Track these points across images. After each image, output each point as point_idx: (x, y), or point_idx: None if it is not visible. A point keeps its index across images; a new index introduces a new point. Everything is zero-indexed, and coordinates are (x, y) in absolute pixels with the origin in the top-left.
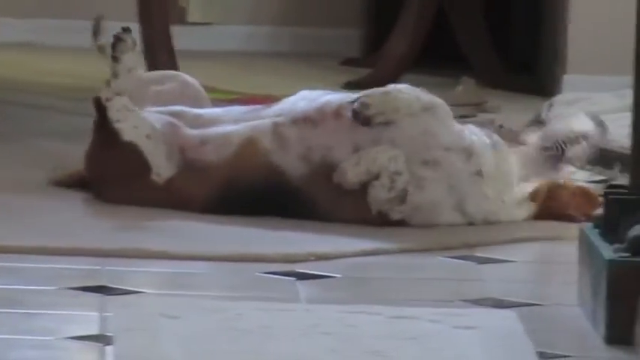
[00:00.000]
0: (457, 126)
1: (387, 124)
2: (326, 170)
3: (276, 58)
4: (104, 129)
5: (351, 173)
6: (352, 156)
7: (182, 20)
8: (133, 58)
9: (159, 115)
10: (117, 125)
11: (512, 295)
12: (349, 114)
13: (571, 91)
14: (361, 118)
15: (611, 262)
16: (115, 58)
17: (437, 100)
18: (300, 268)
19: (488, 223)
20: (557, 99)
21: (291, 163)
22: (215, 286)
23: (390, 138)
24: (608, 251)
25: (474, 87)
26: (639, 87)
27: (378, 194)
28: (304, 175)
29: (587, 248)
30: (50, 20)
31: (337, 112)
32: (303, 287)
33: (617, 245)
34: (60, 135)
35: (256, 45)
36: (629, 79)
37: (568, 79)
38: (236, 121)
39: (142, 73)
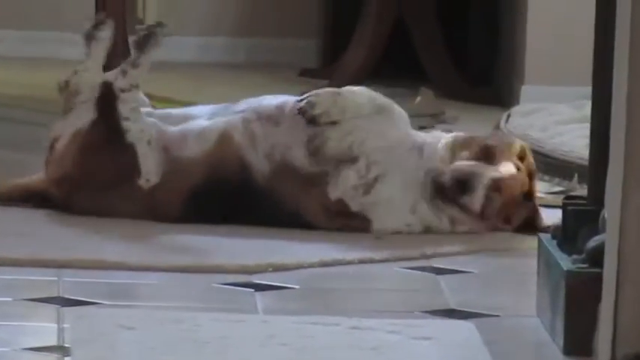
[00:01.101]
0: (414, 131)
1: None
2: (285, 169)
3: (232, 69)
4: (108, 120)
5: (333, 144)
6: (339, 128)
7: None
8: (155, 54)
9: (147, 118)
10: (126, 124)
11: (470, 306)
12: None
13: (529, 102)
14: (306, 116)
15: (569, 272)
16: (142, 50)
17: (393, 105)
18: (258, 279)
19: (439, 230)
20: (515, 110)
21: (259, 160)
22: (172, 297)
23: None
24: (566, 262)
25: (432, 98)
26: (597, 98)
27: (349, 178)
28: (268, 173)
29: (545, 259)
30: (4, 31)
31: (294, 111)
32: (260, 298)
33: (575, 256)
34: (11, 145)
35: (213, 56)
36: (586, 90)
37: (526, 90)
38: (211, 114)
39: None
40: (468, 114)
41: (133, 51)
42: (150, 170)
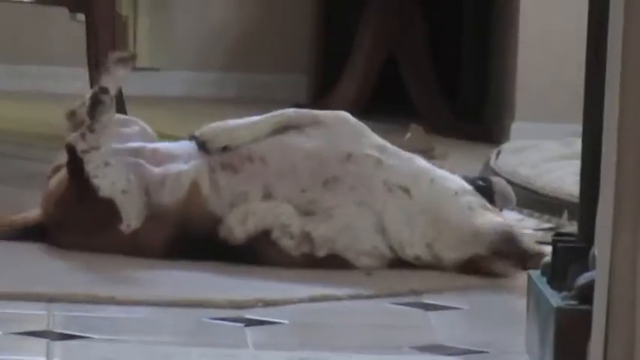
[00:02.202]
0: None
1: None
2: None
3: (222, 104)
4: (78, 179)
5: (238, 231)
6: (236, 210)
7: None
8: (110, 116)
9: (127, 160)
10: (95, 181)
11: (459, 342)
12: None
13: (519, 138)
14: (198, 144)
15: (558, 309)
16: (92, 117)
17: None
18: (248, 314)
19: (407, 255)
20: (505, 147)
21: (225, 211)
22: (162, 332)
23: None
24: (556, 299)
25: (422, 134)
26: (587, 135)
27: (285, 244)
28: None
29: (535, 296)
30: None
31: (248, 156)
32: (251, 333)
33: (564, 293)
34: (1, 179)
35: (203, 90)
36: (576, 127)
37: (516, 126)
38: (189, 156)
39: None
40: (458, 150)
41: (86, 117)
42: (130, 216)
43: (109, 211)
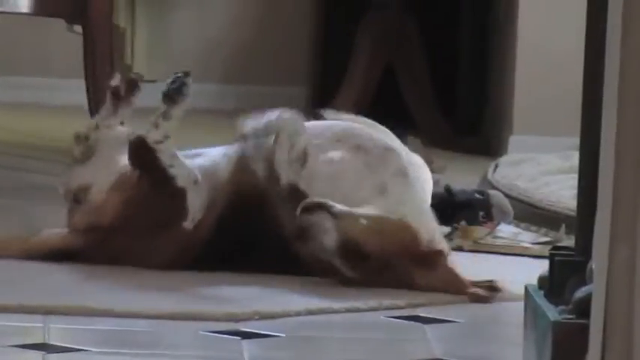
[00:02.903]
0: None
1: None
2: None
3: (222, 116)
4: (151, 173)
5: (250, 125)
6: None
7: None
8: (186, 105)
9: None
10: (172, 171)
11: (456, 356)
12: None
13: (517, 152)
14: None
15: (556, 323)
16: (173, 101)
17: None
18: (245, 327)
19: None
20: (503, 160)
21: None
22: (159, 345)
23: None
24: (553, 312)
25: (420, 147)
26: (585, 149)
27: (281, 156)
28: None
29: (532, 309)
30: None
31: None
32: (247, 346)
33: (562, 307)
34: (2, 191)
35: (201, 102)
36: (574, 140)
37: (514, 140)
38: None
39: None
40: (456, 163)
41: (162, 103)
42: (196, 209)
43: (177, 205)
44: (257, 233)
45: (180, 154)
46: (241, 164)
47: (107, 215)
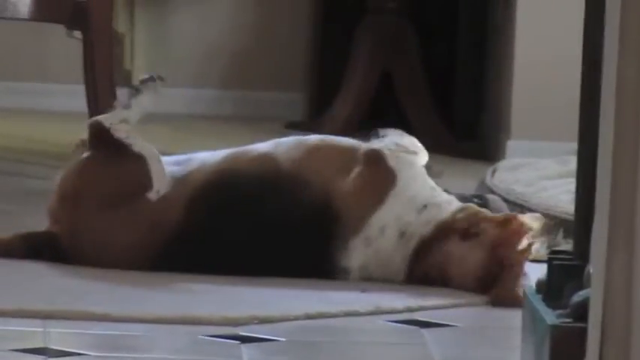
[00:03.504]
0: None
1: None
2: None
3: (220, 122)
4: (105, 148)
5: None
6: None
7: (127, 83)
8: (151, 102)
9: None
10: (127, 140)
11: None
12: None
13: (515, 156)
14: None
15: (553, 327)
16: (137, 91)
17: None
18: (244, 331)
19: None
20: (501, 165)
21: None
22: (157, 349)
23: None
24: (551, 317)
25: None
26: (583, 153)
27: (393, 138)
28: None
29: (530, 313)
30: None
31: None
32: (246, 350)
33: (560, 311)
34: (0, 196)
35: (200, 108)
36: (572, 145)
37: (512, 144)
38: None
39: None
40: (454, 168)
41: (129, 96)
42: (161, 182)
43: (138, 171)
44: (263, 214)
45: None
46: (252, 155)
47: (66, 189)
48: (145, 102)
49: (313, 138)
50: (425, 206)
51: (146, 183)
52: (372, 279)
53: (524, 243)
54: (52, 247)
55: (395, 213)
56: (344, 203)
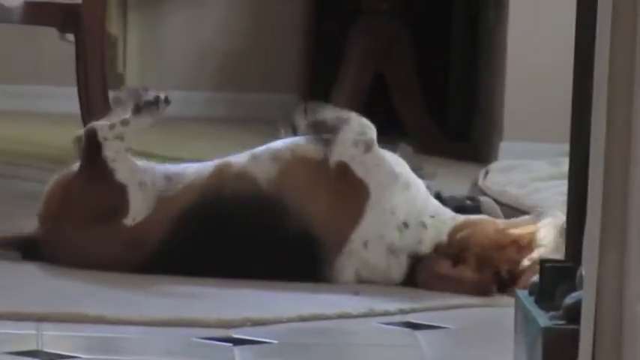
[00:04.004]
0: None
1: None
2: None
3: (213, 124)
4: (92, 163)
5: (328, 113)
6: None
7: (120, 85)
8: (150, 124)
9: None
10: (112, 165)
11: None
12: None
13: (507, 158)
14: None
15: (546, 329)
16: (139, 110)
17: None
18: (237, 334)
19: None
20: (494, 166)
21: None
22: (151, 352)
23: None
24: (543, 318)
25: (410, 154)
26: (575, 155)
27: (347, 135)
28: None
29: (522, 315)
30: None
31: None
32: (239, 353)
33: (552, 313)
34: None
35: (193, 110)
36: (564, 146)
37: (504, 146)
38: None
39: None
40: (446, 170)
41: (129, 111)
42: (138, 211)
43: (117, 200)
44: (247, 237)
45: (134, 159)
46: (235, 170)
47: (51, 203)
48: (144, 123)
49: (284, 150)
50: (405, 224)
51: (123, 210)
52: (365, 282)
53: (524, 263)
54: (33, 251)
55: (376, 229)
56: (323, 225)
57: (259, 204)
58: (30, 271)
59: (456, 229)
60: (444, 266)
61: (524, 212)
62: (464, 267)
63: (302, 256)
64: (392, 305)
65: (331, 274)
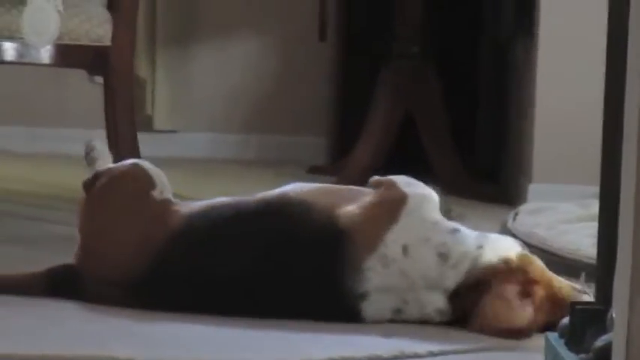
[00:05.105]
0: None
1: None
2: None
3: (242, 166)
4: (96, 179)
5: None
6: None
7: (148, 128)
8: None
9: None
10: (115, 165)
11: None
12: None
13: (536, 200)
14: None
15: None
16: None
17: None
18: None
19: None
20: (523, 208)
21: None
22: None
23: None
24: None
25: (439, 195)
26: (605, 197)
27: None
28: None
29: (552, 358)
30: (11, 127)
31: None
32: None
33: (582, 355)
34: (18, 240)
35: (222, 152)
36: (593, 188)
37: (533, 188)
38: None
39: None
40: (475, 211)
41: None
42: (164, 183)
43: (140, 177)
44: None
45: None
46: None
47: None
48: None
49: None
50: (457, 229)
51: (150, 184)
52: (396, 314)
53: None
54: (69, 281)
55: (416, 232)
56: (351, 221)
57: (279, 205)
58: (55, 314)
59: (522, 258)
60: (511, 291)
61: (552, 254)
62: (529, 301)
63: (325, 255)
64: (421, 347)
65: (355, 280)
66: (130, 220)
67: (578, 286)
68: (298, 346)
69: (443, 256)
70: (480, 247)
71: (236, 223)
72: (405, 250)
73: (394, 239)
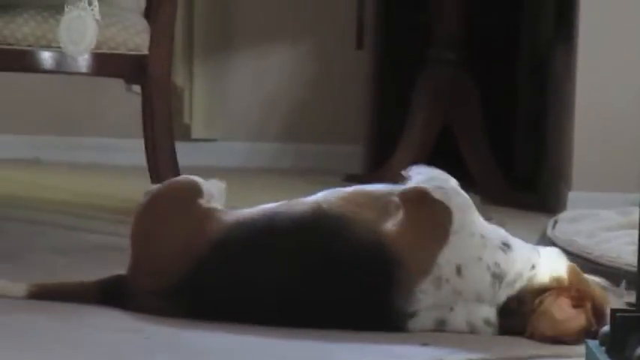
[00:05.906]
0: None
1: None
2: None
3: (279, 175)
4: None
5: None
6: None
7: (186, 137)
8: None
9: None
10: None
11: None
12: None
13: (576, 208)
14: None
15: None
16: None
17: None
18: None
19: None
20: (562, 216)
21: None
22: None
23: None
24: None
25: (478, 204)
26: None
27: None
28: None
29: None
30: (49, 137)
31: None
32: None
33: None
34: (58, 251)
35: (259, 161)
36: (634, 196)
37: (573, 196)
38: None
39: None
40: (514, 220)
41: None
42: (212, 193)
43: (187, 186)
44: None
45: None
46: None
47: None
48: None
49: (347, 188)
50: (506, 244)
51: (198, 192)
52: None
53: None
54: (119, 290)
55: (468, 251)
56: (398, 243)
57: (319, 218)
58: (93, 328)
59: (572, 275)
60: (566, 302)
61: (593, 262)
62: (581, 311)
63: (373, 276)
64: (461, 355)
65: (406, 301)
66: (175, 228)
67: (603, 282)
68: (336, 355)
69: (497, 277)
70: (534, 267)
71: (272, 235)
72: (458, 270)
73: (447, 260)
